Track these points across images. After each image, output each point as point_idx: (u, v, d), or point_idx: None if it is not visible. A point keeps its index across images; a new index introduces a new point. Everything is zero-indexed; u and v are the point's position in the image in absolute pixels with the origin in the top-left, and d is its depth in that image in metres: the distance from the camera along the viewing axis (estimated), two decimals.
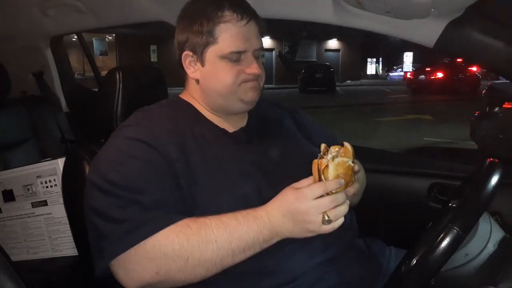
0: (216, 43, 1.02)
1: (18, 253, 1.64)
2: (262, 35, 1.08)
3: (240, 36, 1.02)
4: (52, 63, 2.22)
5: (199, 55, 1.04)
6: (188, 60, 1.07)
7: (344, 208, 0.86)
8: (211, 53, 1.03)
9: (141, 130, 1.00)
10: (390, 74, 28.06)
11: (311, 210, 0.85)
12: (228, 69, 1.03)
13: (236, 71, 1.03)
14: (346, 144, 0.90)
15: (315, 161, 0.88)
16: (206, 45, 1.03)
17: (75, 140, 2.07)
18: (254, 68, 1.03)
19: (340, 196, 0.86)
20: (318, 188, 0.86)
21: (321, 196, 0.86)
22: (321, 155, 0.89)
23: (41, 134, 1.98)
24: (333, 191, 0.86)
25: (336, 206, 0.85)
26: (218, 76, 1.04)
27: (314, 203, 0.85)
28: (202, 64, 1.05)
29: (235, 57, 1.02)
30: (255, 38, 1.05)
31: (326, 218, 0.85)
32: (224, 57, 1.02)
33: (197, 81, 1.08)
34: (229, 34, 1.01)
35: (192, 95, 1.12)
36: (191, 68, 1.07)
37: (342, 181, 0.86)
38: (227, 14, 1.02)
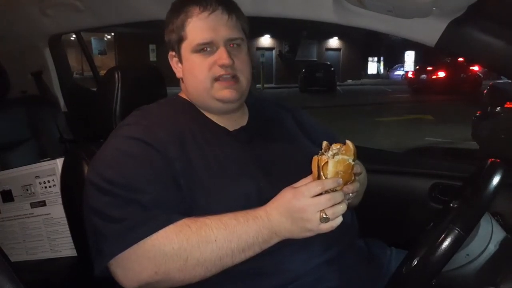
0: (186, 39, 1.04)
1: (17, 254, 1.64)
2: (241, 25, 1.07)
3: (205, 28, 1.02)
4: (50, 63, 2.22)
5: (178, 53, 1.07)
6: (174, 60, 1.10)
7: (342, 207, 0.85)
8: (184, 49, 1.05)
9: (140, 129, 1.00)
10: (395, 73, 27.97)
11: (309, 208, 0.85)
12: (199, 64, 1.04)
13: (208, 64, 1.03)
14: (348, 142, 0.90)
15: (315, 157, 0.88)
16: (180, 42, 1.05)
17: (74, 140, 2.07)
18: (222, 58, 1.02)
19: (338, 195, 0.85)
20: (316, 186, 0.85)
21: (319, 195, 0.85)
22: (322, 152, 0.89)
23: (40, 134, 1.98)
24: (331, 190, 0.85)
25: (334, 205, 0.85)
26: (193, 72, 1.06)
27: (312, 200, 0.85)
28: (181, 62, 1.08)
29: (205, 49, 1.03)
30: (223, 28, 1.03)
31: (324, 216, 0.84)
32: (195, 51, 1.03)
33: (182, 80, 1.11)
34: (193, 27, 1.03)
35: (186, 95, 1.13)
36: (177, 67, 1.10)
37: (340, 180, 0.86)
38: (191, 8, 1.03)
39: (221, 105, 1.06)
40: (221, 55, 1.02)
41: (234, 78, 1.04)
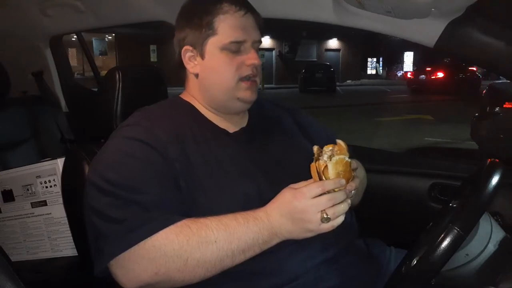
0: (216, 35, 1.03)
1: (18, 253, 1.64)
2: (260, 30, 1.08)
3: (239, 27, 1.03)
4: (51, 63, 2.22)
5: (199, 48, 1.05)
6: (188, 55, 1.08)
7: (343, 207, 0.86)
8: (211, 45, 1.04)
9: (141, 130, 1.00)
10: (397, 73, 27.95)
11: (310, 209, 0.85)
12: (228, 62, 1.03)
13: (236, 64, 1.03)
14: (339, 141, 0.91)
15: (313, 164, 0.88)
16: (206, 37, 1.04)
17: (74, 140, 2.08)
18: (253, 58, 1.04)
19: (339, 195, 0.86)
20: (317, 187, 0.85)
21: (320, 195, 0.85)
22: (315, 157, 0.89)
23: (40, 134, 1.99)
24: (332, 190, 0.86)
25: (335, 205, 0.85)
26: (217, 69, 1.05)
27: (312, 201, 0.85)
28: (202, 57, 1.06)
29: (234, 48, 1.03)
30: (253, 30, 1.06)
31: (325, 216, 0.84)
32: (224, 48, 1.03)
33: (197, 75, 1.09)
34: (227, 24, 1.03)
35: (192, 94, 1.12)
36: (191, 63, 1.08)
37: (343, 180, 0.86)
38: (226, 5, 1.03)
39: (240, 104, 1.07)
40: (252, 56, 1.04)
41: (255, 80, 1.07)
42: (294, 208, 0.86)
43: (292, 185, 0.90)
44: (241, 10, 1.04)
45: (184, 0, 1.10)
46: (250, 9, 1.06)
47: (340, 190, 0.86)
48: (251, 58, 1.04)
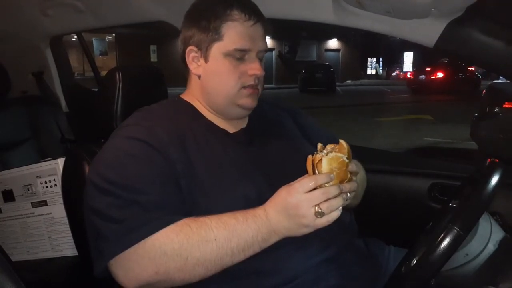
0: (221, 40, 1.03)
1: (18, 253, 1.64)
2: (267, 35, 1.09)
3: (246, 35, 1.03)
4: (52, 63, 2.23)
5: (204, 51, 1.05)
6: (191, 55, 1.08)
7: (337, 201, 0.85)
8: (215, 49, 1.04)
9: (141, 130, 1.00)
10: (392, 73, 28.02)
11: (303, 204, 0.85)
12: (231, 69, 1.03)
13: (239, 73, 1.03)
14: (342, 141, 0.91)
15: (310, 156, 0.88)
16: (212, 41, 1.04)
17: (75, 140, 2.08)
18: (256, 69, 1.04)
19: (333, 189, 0.85)
20: (309, 182, 0.85)
21: (314, 190, 0.85)
22: (317, 152, 0.90)
23: (41, 134, 1.99)
24: (325, 185, 0.85)
25: (328, 199, 0.84)
26: (220, 75, 1.05)
27: (305, 196, 0.85)
28: (206, 60, 1.06)
29: (239, 55, 1.03)
30: (260, 40, 1.06)
31: (319, 210, 0.84)
32: (228, 55, 1.03)
33: (199, 77, 1.09)
34: (235, 31, 1.03)
35: (193, 93, 1.12)
36: (194, 63, 1.08)
37: (333, 175, 0.86)
38: (236, 13, 1.03)
39: (239, 111, 1.08)
40: (256, 66, 1.04)
41: (257, 88, 1.07)
42: (288, 204, 0.86)
43: (289, 184, 0.90)
44: (251, 20, 1.03)
45: (185, 0, 1.10)
46: (260, 19, 1.06)
47: (334, 184, 0.86)
48: (253, 69, 1.04)
